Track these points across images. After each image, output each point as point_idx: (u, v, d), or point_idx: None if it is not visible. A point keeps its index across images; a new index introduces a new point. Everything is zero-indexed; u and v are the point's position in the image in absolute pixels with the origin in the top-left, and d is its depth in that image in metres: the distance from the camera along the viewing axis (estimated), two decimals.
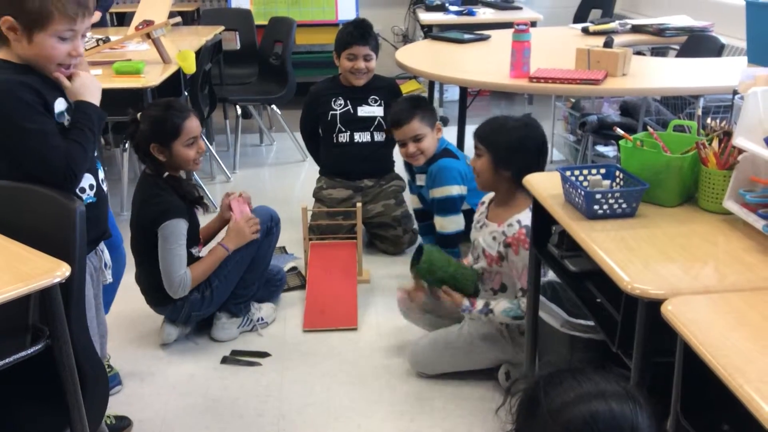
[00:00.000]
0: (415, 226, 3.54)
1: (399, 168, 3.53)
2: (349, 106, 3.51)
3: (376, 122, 3.52)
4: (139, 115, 2.62)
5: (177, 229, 2.59)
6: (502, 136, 2.35)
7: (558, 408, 1.00)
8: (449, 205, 3.02)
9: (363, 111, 3.52)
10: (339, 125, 3.51)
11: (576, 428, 0.98)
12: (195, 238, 2.75)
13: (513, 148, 2.32)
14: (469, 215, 2.90)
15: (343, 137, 3.52)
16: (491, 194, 2.48)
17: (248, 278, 2.83)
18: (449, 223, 3.03)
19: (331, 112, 3.51)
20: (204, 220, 2.88)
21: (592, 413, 0.99)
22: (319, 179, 3.63)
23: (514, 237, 2.30)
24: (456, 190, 3.00)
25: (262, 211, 2.91)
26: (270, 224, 2.87)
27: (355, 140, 3.52)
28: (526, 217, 2.26)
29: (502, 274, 2.40)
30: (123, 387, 2.49)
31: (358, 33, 3.45)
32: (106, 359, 2.48)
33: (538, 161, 2.33)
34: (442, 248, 2.98)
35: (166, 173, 2.65)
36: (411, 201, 3.45)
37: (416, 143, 3.06)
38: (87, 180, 1.86)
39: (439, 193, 3.02)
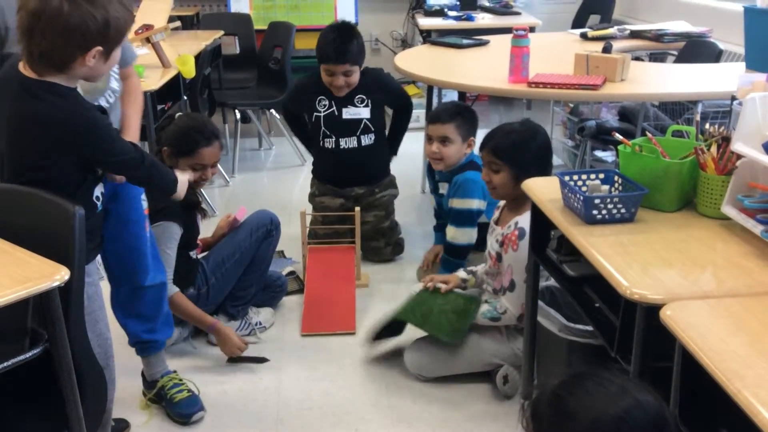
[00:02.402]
0: (401, 235, 3.51)
1: (415, 171, 3.35)
2: (334, 108, 3.31)
3: (362, 125, 3.32)
4: (177, 115, 2.70)
5: (168, 231, 2.58)
6: (524, 150, 2.40)
7: (589, 411, 1.02)
8: (466, 218, 2.99)
9: (348, 113, 3.31)
10: (323, 129, 3.34)
11: (611, 427, 1.00)
12: (193, 242, 2.75)
13: (531, 157, 2.39)
14: (485, 229, 2.86)
15: (329, 143, 3.35)
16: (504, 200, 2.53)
17: (247, 280, 2.83)
18: (462, 235, 3.00)
19: (315, 114, 3.34)
20: (205, 227, 2.87)
21: (624, 409, 1.02)
22: (312, 182, 3.54)
23: (506, 236, 2.35)
24: (476, 204, 2.97)
25: (261, 214, 2.91)
26: (270, 227, 2.87)
27: (341, 146, 3.34)
28: (523, 219, 2.30)
29: (502, 275, 2.43)
30: (205, 413, 2.40)
31: (334, 52, 3.17)
32: (176, 375, 2.45)
33: (548, 162, 2.45)
34: (450, 257, 3.01)
35: None
36: (431, 201, 3.42)
37: (442, 145, 3.03)
38: (99, 189, 1.89)
39: (459, 204, 3.00)
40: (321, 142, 3.38)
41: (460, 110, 3.11)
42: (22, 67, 1.73)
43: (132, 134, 2.16)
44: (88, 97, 2.01)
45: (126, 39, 2.21)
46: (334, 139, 3.35)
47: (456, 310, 2.47)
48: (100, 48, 1.70)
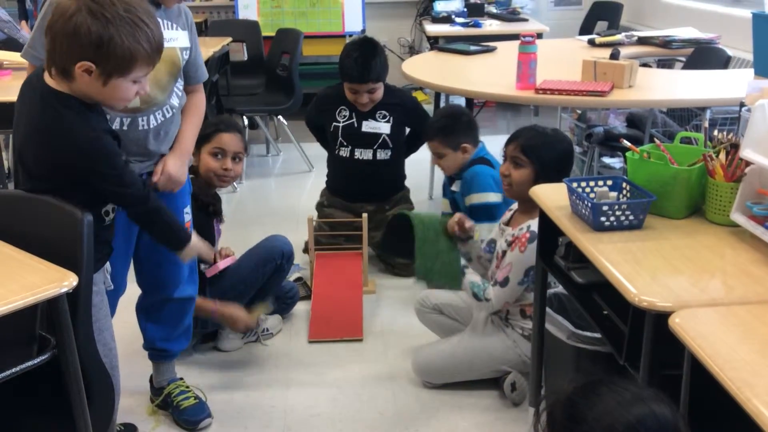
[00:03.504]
0: None
1: (423, 176, 3.29)
2: (354, 119, 3.31)
3: (380, 139, 3.31)
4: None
5: None
6: (551, 151, 2.38)
7: (601, 417, 1.02)
8: (485, 212, 2.95)
9: (367, 126, 3.30)
10: (340, 138, 3.33)
11: None
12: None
13: (558, 164, 2.38)
14: None
15: (344, 152, 3.34)
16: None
17: (255, 302, 2.81)
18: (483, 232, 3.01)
19: (334, 124, 3.33)
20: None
21: (637, 418, 1.01)
22: (322, 192, 3.52)
23: (516, 237, 2.34)
24: (493, 197, 2.97)
25: (273, 245, 2.85)
26: (281, 261, 2.82)
27: (356, 157, 3.32)
28: (536, 223, 2.28)
29: (500, 269, 2.42)
30: (213, 420, 2.39)
31: (357, 72, 3.16)
32: (182, 383, 2.44)
33: (567, 172, 2.43)
34: None
35: (193, 176, 2.66)
36: (441, 205, 3.41)
37: (437, 158, 3.14)
38: (111, 204, 1.89)
39: (476, 199, 2.99)
40: (336, 151, 3.37)
41: (441, 123, 3.12)
42: (46, 76, 1.73)
43: (184, 147, 2.16)
44: (143, 107, 2.01)
45: (201, 59, 2.24)
46: (349, 149, 3.33)
47: (449, 259, 2.47)
48: (90, 64, 1.62)
